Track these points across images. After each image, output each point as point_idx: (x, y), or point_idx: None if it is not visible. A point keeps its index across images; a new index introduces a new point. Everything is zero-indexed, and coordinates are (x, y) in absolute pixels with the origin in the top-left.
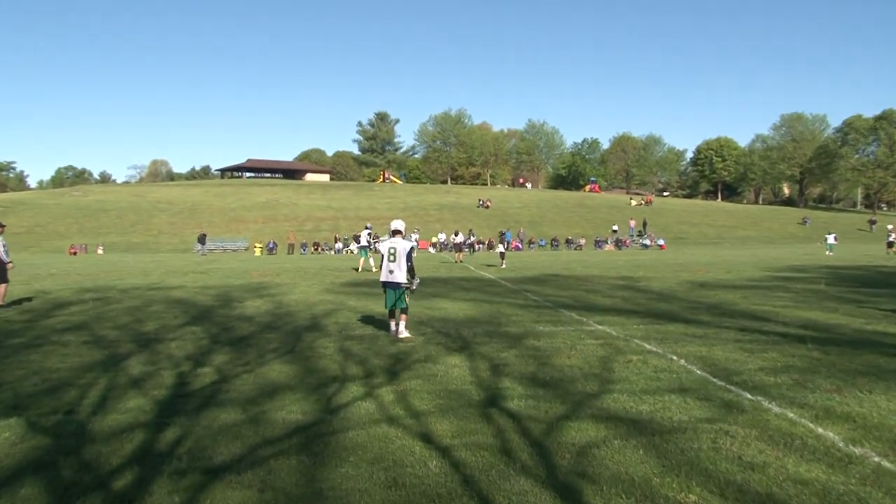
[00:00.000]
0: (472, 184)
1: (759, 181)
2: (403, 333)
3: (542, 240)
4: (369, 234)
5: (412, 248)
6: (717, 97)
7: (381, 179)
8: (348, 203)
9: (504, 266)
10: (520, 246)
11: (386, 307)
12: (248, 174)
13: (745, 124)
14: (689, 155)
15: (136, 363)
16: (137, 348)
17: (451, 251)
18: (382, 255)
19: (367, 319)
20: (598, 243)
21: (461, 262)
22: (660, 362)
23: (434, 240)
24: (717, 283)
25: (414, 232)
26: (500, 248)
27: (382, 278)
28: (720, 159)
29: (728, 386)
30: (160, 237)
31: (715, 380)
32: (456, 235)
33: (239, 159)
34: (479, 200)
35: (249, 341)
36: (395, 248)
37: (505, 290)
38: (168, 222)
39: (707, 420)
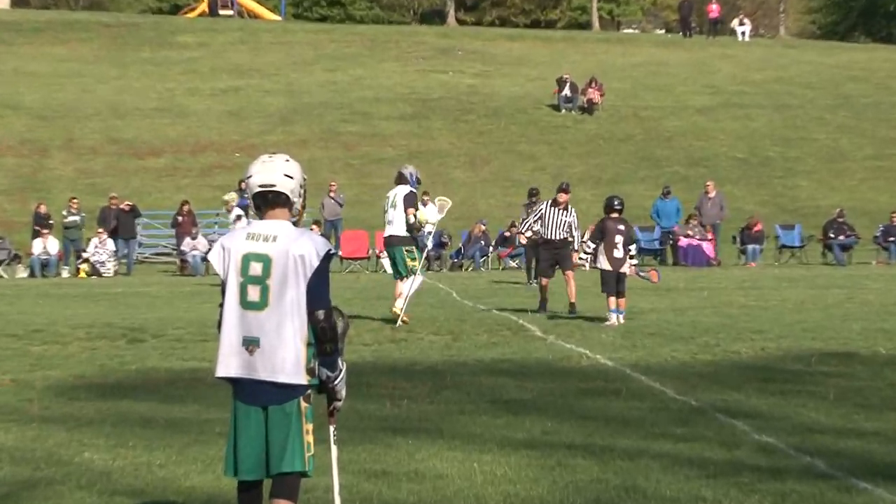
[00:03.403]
0: (532, 25)
1: None
2: None
3: (789, 230)
4: (412, 194)
5: (327, 256)
6: None
7: (204, 8)
8: (85, 92)
9: (616, 322)
10: (710, 251)
11: (233, 471)
12: None
13: None
14: None
15: None
16: None
17: (467, 263)
18: (224, 283)
19: None
20: None
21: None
22: None
23: (429, 219)
24: None
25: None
26: (618, 257)
27: (221, 370)
28: None
29: None
30: None
31: None
32: (525, 214)
33: None
34: (563, 86)
35: None
36: (266, 258)
37: (654, 409)
38: None
39: None
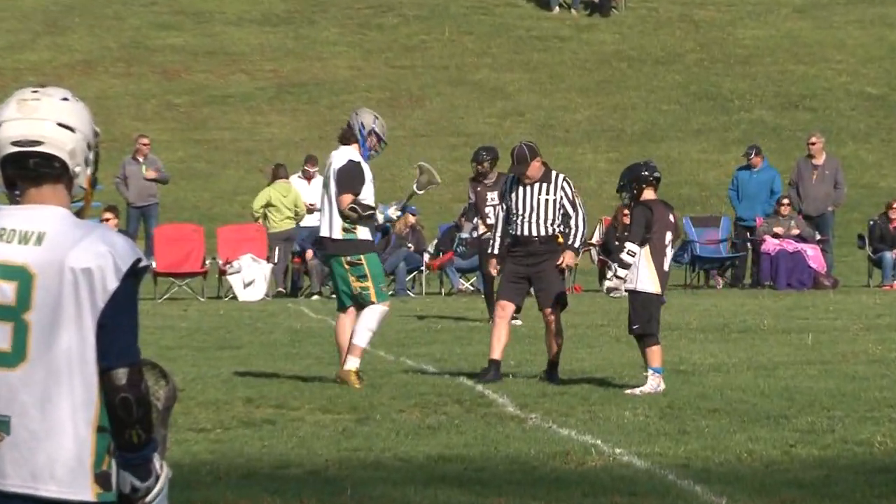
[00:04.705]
0: None
1: None
2: None
3: None
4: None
5: (134, 271)
6: None
7: None
8: None
9: (660, 387)
10: (817, 261)
11: None
12: None
13: None
14: None
15: None
16: None
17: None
18: None
19: None
20: None
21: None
22: None
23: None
24: None
25: None
26: (666, 270)
27: None
28: None
29: None
30: None
31: None
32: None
33: None
34: None
35: None
36: (24, 275)
37: None
38: None
39: None
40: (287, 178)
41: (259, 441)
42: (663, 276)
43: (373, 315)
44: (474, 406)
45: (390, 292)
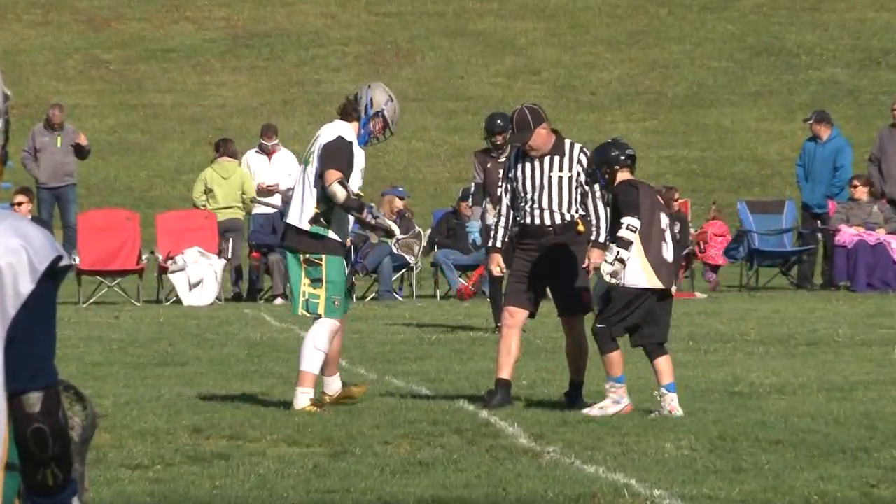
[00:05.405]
0: None
1: None
2: None
3: None
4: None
5: (53, 271)
6: None
7: None
8: None
9: (673, 409)
10: None
11: None
12: None
13: None
14: None
15: None
16: None
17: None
18: None
19: None
20: None
21: None
22: None
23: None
24: None
25: None
26: (667, 259)
27: None
28: None
29: None
30: None
31: None
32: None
33: None
34: None
35: None
36: None
37: None
38: None
39: None
40: (235, 155)
41: (209, 480)
42: (664, 265)
43: (321, 332)
44: (477, 437)
45: (375, 291)
